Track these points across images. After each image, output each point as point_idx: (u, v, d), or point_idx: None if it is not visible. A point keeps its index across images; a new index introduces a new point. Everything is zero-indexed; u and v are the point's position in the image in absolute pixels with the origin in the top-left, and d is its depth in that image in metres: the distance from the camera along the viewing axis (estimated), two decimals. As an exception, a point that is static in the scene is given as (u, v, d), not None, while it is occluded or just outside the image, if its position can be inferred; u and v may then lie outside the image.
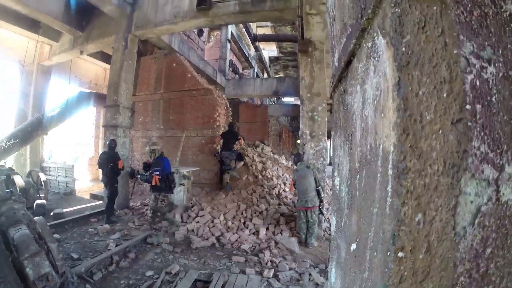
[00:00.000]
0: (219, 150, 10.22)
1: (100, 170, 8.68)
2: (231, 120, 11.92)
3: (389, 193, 0.97)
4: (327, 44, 8.74)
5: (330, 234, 7.54)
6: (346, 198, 1.77)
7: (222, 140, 10.06)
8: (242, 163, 10.39)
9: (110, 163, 8.00)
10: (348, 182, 1.71)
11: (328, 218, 8.61)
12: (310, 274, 5.48)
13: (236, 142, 10.35)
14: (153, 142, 7.46)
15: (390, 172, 0.98)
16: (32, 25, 10.94)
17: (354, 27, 1.41)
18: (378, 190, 1.11)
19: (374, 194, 1.16)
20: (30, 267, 3.57)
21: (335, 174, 2.34)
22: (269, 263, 5.89)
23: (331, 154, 34.93)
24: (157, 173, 6.46)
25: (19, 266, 3.57)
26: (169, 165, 6.99)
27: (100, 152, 11.37)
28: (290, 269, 5.71)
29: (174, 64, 11.51)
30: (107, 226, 7.46)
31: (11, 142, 9.47)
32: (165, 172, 6.70)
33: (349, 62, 1.62)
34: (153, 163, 6.75)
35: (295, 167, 7.72)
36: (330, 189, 12.24)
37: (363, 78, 1.34)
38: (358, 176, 1.45)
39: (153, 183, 6.51)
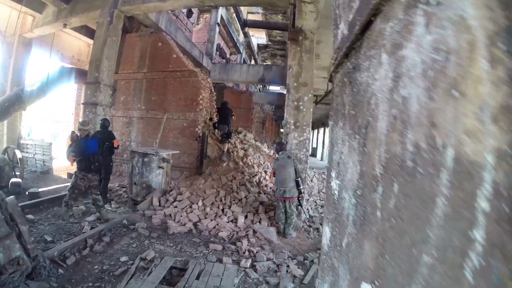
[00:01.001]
0: (215, 123, 11.12)
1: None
2: (214, 104, 11.75)
3: (478, 245, 0.53)
4: (318, 35, 8.64)
5: (309, 226, 7.59)
6: (353, 213, 1.42)
7: (218, 114, 10.83)
8: (227, 145, 10.92)
9: (106, 142, 7.89)
10: (358, 192, 1.36)
11: (307, 209, 8.61)
12: (288, 266, 5.43)
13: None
14: (84, 121, 7.15)
15: (483, 205, 0.52)
16: (16, -6, 10.47)
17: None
18: (438, 226, 0.67)
19: (425, 230, 0.73)
20: (0, 250, 3.41)
21: (333, 174, 2.00)
22: (247, 253, 5.82)
23: (313, 145, 35.11)
24: (73, 154, 6.51)
25: (-12, 248, 3.40)
26: (95, 146, 6.77)
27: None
28: (268, 259, 5.65)
29: (160, 44, 11.20)
30: (82, 207, 7.26)
31: (-13, 117, 9.14)
32: (87, 153, 6.54)
33: (366, 27, 1.29)
34: (75, 143, 6.67)
35: (276, 155, 7.64)
36: (311, 180, 12.30)
37: (396, 41, 0.99)
38: (381, 189, 1.07)
39: (71, 163, 6.74)
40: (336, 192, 1.84)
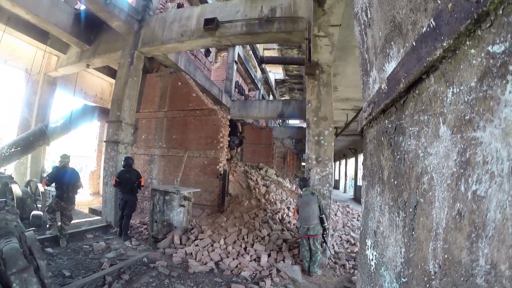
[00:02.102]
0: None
1: (107, 185, 9.23)
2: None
3: None
4: (335, 67, 8.66)
5: (335, 263, 7.31)
6: None
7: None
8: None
9: (135, 181, 8.21)
10: (403, 279, 1.18)
11: (332, 245, 8.34)
12: (313, 307, 5.19)
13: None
14: (64, 155, 7.67)
15: None
16: (41, 35, 10.98)
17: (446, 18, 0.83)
18: None
19: None
20: (17, 283, 3.36)
21: (368, 242, 1.81)
22: (271, 293, 5.60)
23: (335, 178, 34.59)
24: (47, 178, 7.24)
25: (6, 280, 3.37)
26: (73, 178, 7.47)
27: (103, 166, 11.26)
28: (293, 299, 5.42)
29: (180, 83, 11.43)
30: (102, 243, 7.23)
31: (12, 150, 9.43)
32: (63, 182, 7.21)
33: (413, 84, 1.12)
34: (52, 171, 7.42)
35: (300, 191, 7.50)
36: (335, 214, 12.00)
37: (464, 115, 0.80)
38: None
39: (43, 185, 7.57)
40: (373, 264, 1.68)
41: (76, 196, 7.67)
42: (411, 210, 1.15)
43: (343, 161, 34.17)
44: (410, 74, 1.08)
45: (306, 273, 6.77)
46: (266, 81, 23.80)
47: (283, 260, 7.11)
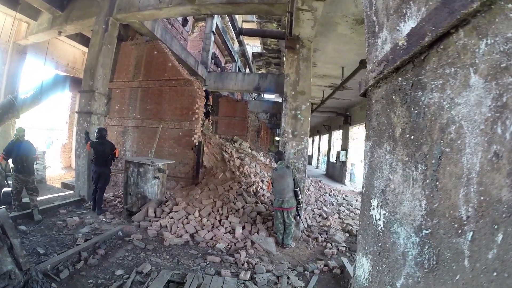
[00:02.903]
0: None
1: (79, 158, 9.06)
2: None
3: None
4: (315, 43, 8.61)
5: (308, 236, 7.46)
6: (415, 253, 1.28)
7: None
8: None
9: (109, 153, 8.09)
10: (425, 231, 1.21)
11: (305, 219, 8.51)
12: (288, 277, 5.33)
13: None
14: (20, 128, 7.62)
15: None
16: (10, 0, 10.37)
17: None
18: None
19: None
20: None
21: (374, 203, 1.82)
22: (246, 264, 5.70)
23: (309, 153, 35.17)
24: (3, 153, 7.24)
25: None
26: (27, 149, 7.36)
27: (75, 138, 11.01)
28: (267, 271, 5.55)
29: (155, 52, 11.12)
30: (76, 218, 7.12)
31: (-21, 124, 8.97)
32: (17, 154, 7.15)
33: (438, 39, 1.14)
34: (8, 146, 7.34)
35: (275, 165, 7.55)
36: (308, 189, 12.21)
37: (499, 63, 0.85)
38: (470, 235, 0.93)
39: (0, 160, 7.41)
40: (381, 224, 1.69)
41: (34, 167, 7.55)
42: (433, 161, 1.18)
43: (316, 138, 34.56)
44: (438, 28, 1.10)
45: (280, 245, 6.91)
46: (243, 53, 23.52)
47: (258, 232, 7.23)
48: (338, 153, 21.09)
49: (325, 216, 9.65)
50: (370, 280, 1.77)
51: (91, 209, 8.11)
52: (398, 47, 1.46)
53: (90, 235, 6.17)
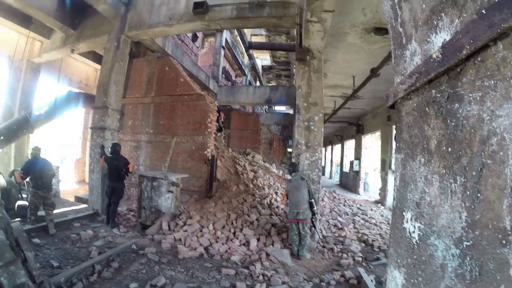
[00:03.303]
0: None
1: (93, 173, 9.14)
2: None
3: None
4: (325, 54, 8.63)
5: (323, 247, 7.40)
6: (456, 265, 1.28)
7: None
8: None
9: (123, 168, 8.16)
10: (466, 243, 1.21)
11: (320, 230, 8.43)
12: (304, 289, 5.26)
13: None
14: (35, 147, 7.74)
15: None
16: (23, 20, 10.65)
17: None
18: None
19: None
20: (5, 276, 3.31)
21: (407, 215, 1.81)
22: (261, 277, 5.64)
23: (322, 164, 35.08)
24: (21, 171, 7.26)
25: (-7, 274, 3.29)
26: (45, 166, 7.45)
27: (88, 153, 11.14)
28: (283, 283, 5.48)
29: (167, 68, 11.28)
30: (90, 232, 7.16)
31: (-5, 139, 9.16)
32: (36, 171, 7.21)
33: (476, 52, 1.15)
34: (25, 164, 7.45)
35: (289, 177, 7.53)
36: (322, 199, 12.12)
37: None
38: None
39: (18, 179, 7.47)
40: (416, 236, 1.69)
41: (51, 183, 7.59)
42: (474, 173, 1.18)
43: (329, 148, 34.42)
44: (476, 41, 1.11)
45: (295, 257, 6.84)
46: (253, 67, 23.67)
47: (272, 244, 7.16)
48: (351, 163, 20.96)
49: (340, 226, 9.55)
50: None
51: (105, 222, 8.17)
52: (431, 59, 1.46)
53: (104, 248, 6.18)
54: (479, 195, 1.15)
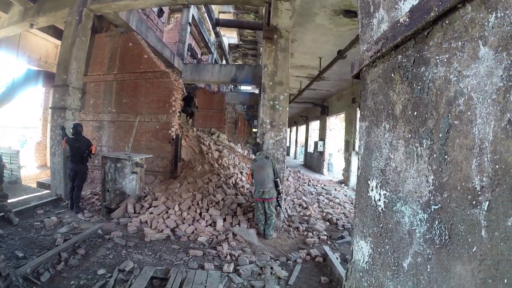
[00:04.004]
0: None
1: (55, 156, 8.82)
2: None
3: None
4: (293, 34, 8.59)
5: (289, 226, 7.50)
6: (424, 230, 1.29)
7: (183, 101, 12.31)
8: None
9: (85, 150, 7.85)
10: (434, 207, 1.22)
11: (286, 209, 8.56)
12: (271, 268, 5.39)
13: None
14: None
15: None
16: (-21, -8, 9.92)
17: None
18: None
19: None
20: None
21: (372, 184, 1.83)
22: (228, 257, 5.71)
23: (287, 145, 35.48)
24: None
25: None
26: None
27: (49, 135, 10.62)
28: (251, 262, 5.58)
29: (131, 44, 10.86)
30: (54, 218, 6.94)
31: None
32: None
33: (443, 15, 1.16)
34: None
35: (253, 156, 7.55)
36: (287, 179, 12.27)
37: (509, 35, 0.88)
38: (486, 205, 0.95)
39: None
40: (381, 204, 1.69)
41: (2, 174, 7.19)
42: (441, 135, 1.20)
43: (294, 128, 34.75)
44: (445, 3, 1.11)
45: (262, 236, 6.96)
46: (219, 45, 23.32)
47: (239, 224, 7.24)
48: (316, 144, 21.28)
49: (305, 205, 9.74)
50: (371, 263, 1.77)
51: (68, 208, 7.92)
52: (399, 24, 1.47)
53: (69, 235, 6.00)
54: (446, 156, 1.17)
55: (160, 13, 15.87)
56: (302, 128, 29.42)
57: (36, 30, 12.22)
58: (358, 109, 14.20)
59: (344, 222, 8.36)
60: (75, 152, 7.73)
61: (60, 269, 4.72)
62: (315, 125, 24.36)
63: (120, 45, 10.94)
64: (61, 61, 9.11)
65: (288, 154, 34.23)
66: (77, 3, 9.26)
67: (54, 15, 10.26)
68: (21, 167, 11.53)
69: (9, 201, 7.50)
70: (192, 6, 16.10)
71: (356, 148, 14.86)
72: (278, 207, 7.39)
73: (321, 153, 20.18)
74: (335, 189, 13.50)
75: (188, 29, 16.54)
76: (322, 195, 11.92)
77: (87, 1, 9.16)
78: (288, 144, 37.25)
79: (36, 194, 9.40)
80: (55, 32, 12.81)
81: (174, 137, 10.33)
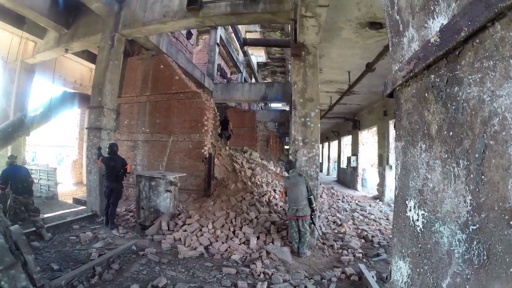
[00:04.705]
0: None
1: (91, 174, 9.05)
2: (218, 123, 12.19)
3: None
4: (320, 49, 8.59)
5: (323, 243, 7.37)
6: (462, 250, 1.26)
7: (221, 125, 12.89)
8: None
9: (120, 169, 8.07)
10: (472, 227, 1.19)
11: (320, 226, 8.41)
12: (305, 287, 5.24)
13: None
14: (11, 155, 7.68)
15: None
16: (16, 20, 10.54)
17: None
18: None
19: None
20: (5, 281, 3.27)
21: (410, 204, 1.80)
22: (262, 275, 5.61)
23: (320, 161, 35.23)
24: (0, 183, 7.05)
25: (-7, 278, 3.25)
26: (25, 172, 7.39)
27: (85, 154, 11.05)
28: (284, 281, 5.45)
29: (162, 66, 11.19)
30: (89, 233, 7.11)
31: (-9, 142, 9.09)
32: (16, 177, 7.07)
33: (474, 34, 1.15)
34: (1, 172, 7.21)
35: (286, 174, 7.49)
36: (321, 196, 12.10)
37: None
38: None
39: None
40: (420, 224, 1.66)
41: (32, 188, 7.44)
42: (477, 155, 1.17)
43: (326, 144, 34.42)
44: (474, 23, 1.10)
45: (296, 254, 6.81)
46: (248, 64, 23.63)
47: (272, 242, 7.13)
48: (349, 159, 20.94)
49: (339, 223, 9.53)
50: (410, 283, 1.73)
51: (104, 224, 8.12)
52: (430, 44, 1.45)
53: (104, 250, 6.13)
54: (483, 177, 1.14)
55: (189, 35, 16.28)
56: (334, 143, 29.08)
57: (71, 55, 12.75)
58: (390, 122, 13.94)
59: (380, 239, 8.09)
60: (111, 171, 7.95)
61: (94, 282, 4.80)
62: (347, 140, 24.04)
63: (151, 67, 11.29)
64: (95, 84, 9.45)
65: (321, 171, 33.84)
66: (109, 29, 9.64)
67: (88, 40, 10.70)
68: (58, 183, 11.95)
69: (45, 215, 7.80)
70: (219, 27, 16.45)
71: (390, 162, 14.51)
72: (312, 225, 7.26)
73: (355, 169, 19.81)
74: (370, 205, 13.16)
75: (217, 49, 16.88)
76: (357, 212, 11.65)
77: (119, 26, 9.52)
78: (320, 160, 36.89)
79: (72, 209, 9.69)
80: (89, 56, 13.41)
81: (207, 156, 10.46)
